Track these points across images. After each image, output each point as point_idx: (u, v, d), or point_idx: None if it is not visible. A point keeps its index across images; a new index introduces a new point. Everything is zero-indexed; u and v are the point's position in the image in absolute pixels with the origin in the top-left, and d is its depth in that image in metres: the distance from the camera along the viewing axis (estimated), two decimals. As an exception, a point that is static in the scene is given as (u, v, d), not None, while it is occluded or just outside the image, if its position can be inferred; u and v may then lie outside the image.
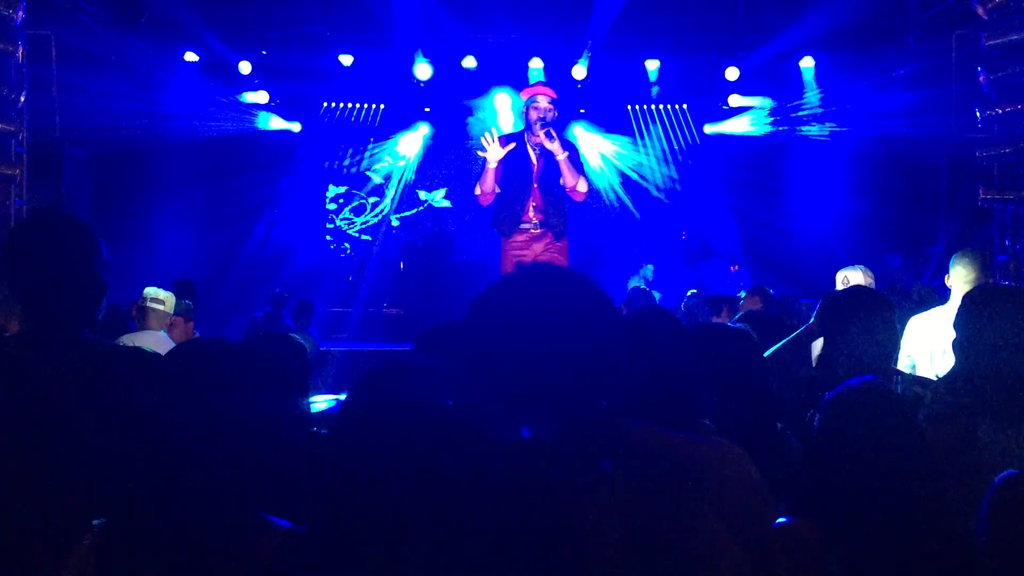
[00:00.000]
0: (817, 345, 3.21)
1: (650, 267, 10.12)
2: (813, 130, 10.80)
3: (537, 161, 6.01)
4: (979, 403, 2.29)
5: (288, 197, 11.85)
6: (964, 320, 2.40)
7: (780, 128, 11.12)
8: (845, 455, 1.70)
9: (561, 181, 5.98)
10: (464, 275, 10.63)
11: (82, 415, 1.93)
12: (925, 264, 8.81)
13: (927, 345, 3.80)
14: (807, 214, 10.73)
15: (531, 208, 6.00)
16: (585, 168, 6.28)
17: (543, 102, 5.95)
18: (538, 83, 7.37)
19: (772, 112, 11.16)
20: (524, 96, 6.20)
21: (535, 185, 6.01)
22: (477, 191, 6.15)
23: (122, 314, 5.65)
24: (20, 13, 6.69)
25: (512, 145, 6.00)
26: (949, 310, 3.56)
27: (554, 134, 5.86)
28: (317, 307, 8.90)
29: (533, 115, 5.96)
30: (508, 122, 10.48)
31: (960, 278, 3.99)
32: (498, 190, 6.04)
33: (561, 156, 5.89)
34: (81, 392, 1.96)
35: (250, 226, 11.54)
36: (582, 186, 6.02)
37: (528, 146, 6.04)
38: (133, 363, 2.09)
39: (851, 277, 4.94)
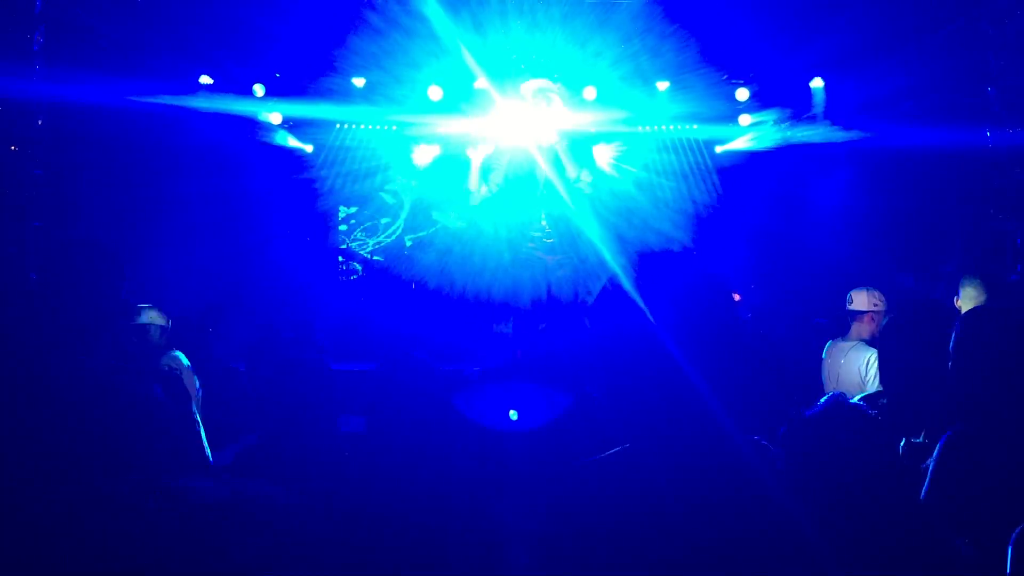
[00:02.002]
0: (871, 363, 3.16)
1: None
2: (822, 143, 10.78)
3: (544, 164, 5.68)
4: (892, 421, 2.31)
5: (300, 217, 11.90)
6: (884, 341, 2.38)
7: (790, 144, 11.11)
8: (823, 471, 1.70)
9: (566, 174, 5.62)
10: (478, 296, 10.65)
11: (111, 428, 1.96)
12: (935, 284, 8.76)
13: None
14: (817, 233, 10.69)
15: (543, 216, 5.69)
16: (589, 163, 5.84)
17: (537, 91, 5.69)
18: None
19: (781, 130, 11.17)
20: (521, 91, 5.88)
21: (543, 190, 5.70)
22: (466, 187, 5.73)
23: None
24: (38, 38, 6.80)
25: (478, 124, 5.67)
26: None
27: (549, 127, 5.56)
28: (328, 327, 8.90)
29: (531, 108, 5.67)
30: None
31: (970, 299, 4.01)
32: (485, 189, 5.65)
33: (558, 146, 5.55)
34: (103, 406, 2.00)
35: (261, 246, 11.58)
36: (586, 176, 5.66)
37: (533, 151, 5.71)
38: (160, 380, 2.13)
39: (856, 299, 4.93)
